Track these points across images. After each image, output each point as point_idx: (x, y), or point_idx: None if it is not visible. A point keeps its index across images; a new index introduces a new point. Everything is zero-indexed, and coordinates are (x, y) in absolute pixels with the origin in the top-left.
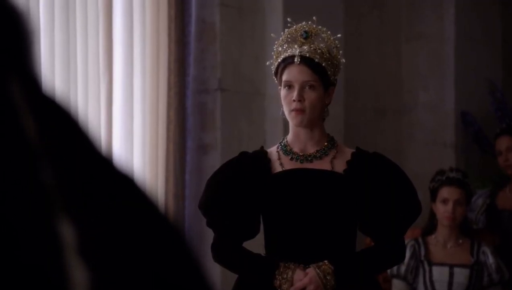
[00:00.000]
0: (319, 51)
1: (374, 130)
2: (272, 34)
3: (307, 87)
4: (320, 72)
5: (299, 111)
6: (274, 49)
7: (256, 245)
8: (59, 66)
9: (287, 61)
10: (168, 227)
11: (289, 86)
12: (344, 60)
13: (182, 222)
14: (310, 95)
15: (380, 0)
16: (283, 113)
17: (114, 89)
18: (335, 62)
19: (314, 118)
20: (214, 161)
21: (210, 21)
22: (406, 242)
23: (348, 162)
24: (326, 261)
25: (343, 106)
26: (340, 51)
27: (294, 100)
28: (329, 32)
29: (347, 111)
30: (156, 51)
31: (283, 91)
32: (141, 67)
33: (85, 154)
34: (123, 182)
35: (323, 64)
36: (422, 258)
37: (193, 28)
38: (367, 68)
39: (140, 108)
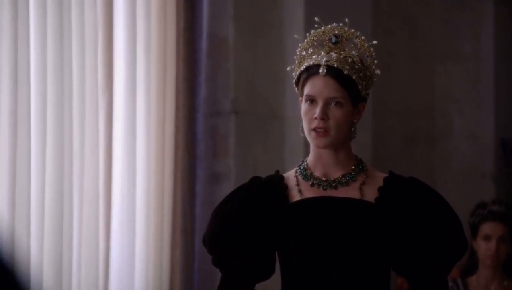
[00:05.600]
0: (349, 60)
1: (404, 159)
2: (295, 35)
3: (332, 104)
4: (349, 86)
5: (321, 132)
6: (297, 53)
7: (272, 287)
8: (52, 84)
9: (311, 71)
10: None
11: (312, 100)
12: (378, 72)
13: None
14: (336, 114)
15: (411, 16)
16: (302, 130)
17: (114, 111)
18: (368, 73)
19: (339, 139)
20: (227, 192)
21: (223, 36)
22: None
23: (380, 189)
24: None
25: (371, 132)
26: (375, 61)
27: (316, 118)
28: (363, 37)
29: (375, 137)
30: (162, 68)
31: (304, 106)
32: (145, 86)
33: None
34: None
35: (354, 77)
36: None
37: (204, 43)
38: (396, 90)
39: (144, 132)
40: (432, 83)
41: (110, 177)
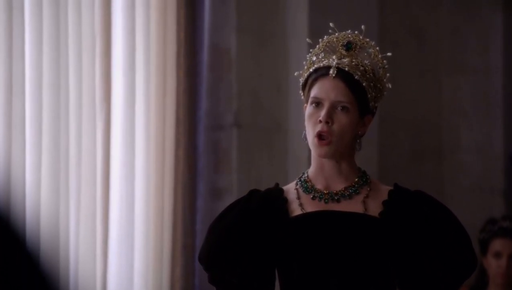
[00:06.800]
0: (361, 68)
1: (411, 173)
2: (307, 40)
3: (339, 108)
4: (358, 92)
5: (325, 140)
6: (307, 58)
7: None
8: (47, 96)
9: (320, 73)
10: None
11: (317, 103)
12: (390, 86)
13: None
14: (341, 119)
15: (419, 27)
16: (305, 137)
17: (113, 124)
18: (378, 85)
19: (341, 148)
20: None
21: (225, 47)
22: None
23: (384, 202)
24: None
25: (377, 146)
26: (387, 74)
27: (320, 121)
28: (377, 48)
29: (381, 151)
30: (162, 80)
31: (308, 109)
32: (144, 99)
33: None
34: None
35: (364, 84)
36: None
37: (205, 54)
38: (403, 103)
39: (143, 146)
40: (440, 96)
41: (108, 191)
